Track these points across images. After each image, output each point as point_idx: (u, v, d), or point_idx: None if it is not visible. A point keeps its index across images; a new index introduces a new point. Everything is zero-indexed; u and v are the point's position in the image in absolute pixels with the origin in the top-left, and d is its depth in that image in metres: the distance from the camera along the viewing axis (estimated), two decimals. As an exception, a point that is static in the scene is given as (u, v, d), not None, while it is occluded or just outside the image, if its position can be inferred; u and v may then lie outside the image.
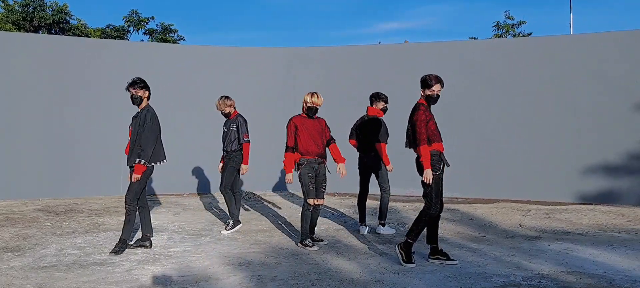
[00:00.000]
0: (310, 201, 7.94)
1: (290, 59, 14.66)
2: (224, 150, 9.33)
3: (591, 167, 12.38)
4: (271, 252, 7.60)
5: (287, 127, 8.07)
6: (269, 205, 12.00)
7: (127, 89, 8.02)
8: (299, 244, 7.96)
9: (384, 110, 9.07)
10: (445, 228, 9.33)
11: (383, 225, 8.98)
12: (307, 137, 7.96)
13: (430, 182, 6.69)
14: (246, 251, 7.68)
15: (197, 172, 13.80)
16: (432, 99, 7.03)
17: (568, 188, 12.52)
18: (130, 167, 7.73)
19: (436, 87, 6.97)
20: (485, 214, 10.75)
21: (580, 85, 12.53)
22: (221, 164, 9.42)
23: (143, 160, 7.52)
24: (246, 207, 11.64)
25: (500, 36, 35.88)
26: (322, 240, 8.23)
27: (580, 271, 6.64)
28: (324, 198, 8.17)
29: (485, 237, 8.71)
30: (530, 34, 35.39)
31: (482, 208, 11.40)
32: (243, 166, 9.21)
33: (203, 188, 13.93)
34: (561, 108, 12.64)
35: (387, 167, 8.87)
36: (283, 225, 9.71)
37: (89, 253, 7.48)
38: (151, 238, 7.90)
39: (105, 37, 35.77)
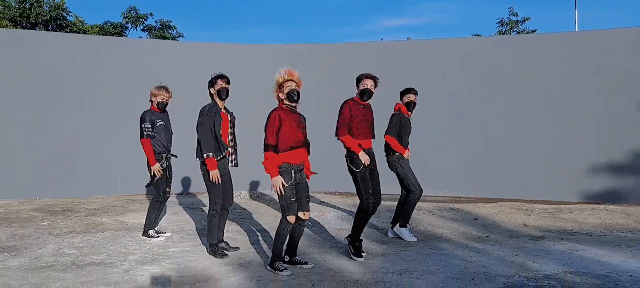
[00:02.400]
0: (291, 218, 6.59)
1: (291, 56, 14.63)
2: (168, 150, 8.52)
3: (596, 165, 12.38)
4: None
5: (268, 120, 6.67)
6: (270, 204, 11.99)
7: (218, 82, 7.58)
8: (268, 267, 6.69)
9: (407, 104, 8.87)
10: (448, 227, 9.33)
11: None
12: (288, 130, 6.57)
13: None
14: (246, 251, 7.68)
15: (196, 171, 13.77)
16: (365, 94, 7.54)
17: (573, 188, 12.51)
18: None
19: (368, 82, 7.54)
20: (489, 214, 10.74)
21: (585, 83, 12.52)
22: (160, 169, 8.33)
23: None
24: (242, 206, 11.65)
25: (504, 33, 35.81)
26: (305, 263, 6.94)
27: (586, 271, 6.64)
28: (309, 210, 6.89)
29: (489, 237, 8.70)
30: (535, 30, 35.31)
31: (485, 208, 11.39)
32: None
33: (202, 187, 13.88)
34: (566, 106, 12.63)
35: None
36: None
37: (87, 254, 7.48)
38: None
39: (103, 34, 35.69)
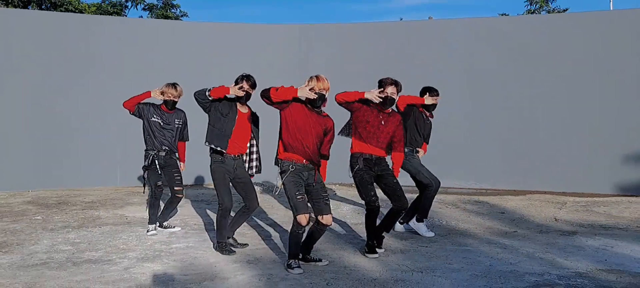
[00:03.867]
0: (302, 218, 6.51)
1: (303, 37, 14.60)
2: (159, 149, 8.50)
3: (632, 155, 12.30)
4: (283, 249, 7.60)
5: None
6: (281, 197, 11.99)
7: (242, 83, 7.46)
8: (287, 268, 6.61)
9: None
10: (474, 222, 9.30)
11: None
12: (295, 131, 6.67)
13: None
14: (255, 247, 7.68)
15: (201, 162, 13.78)
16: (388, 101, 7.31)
17: (607, 179, 12.44)
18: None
19: (389, 89, 7.29)
20: (517, 207, 10.70)
21: (622, 66, 12.43)
22: (151, 168, 8.49)
23: None
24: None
25: (533, 12, 35.69)
26: (319, 260, 6.93)
27: (621, 269, 6.60)
28: (330, 212, 6.82)
29: (517, 232, 8.68)
30: (567, 9, 35.19)
31: (513, 201, 11.35)
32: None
33: (208, 179, 13.91)
34: (600, 91, 12.54)
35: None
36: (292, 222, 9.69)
37: (83, 250, 7.50)
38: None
39: (100, 13, 35.80)
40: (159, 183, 8.48)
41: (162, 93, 8.44)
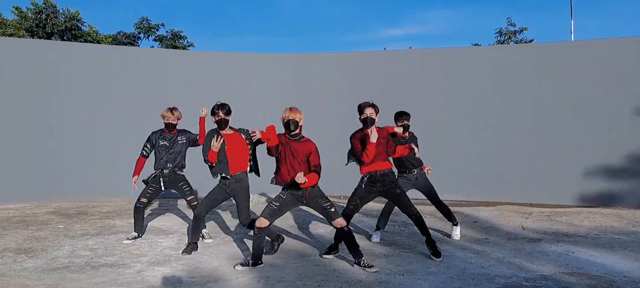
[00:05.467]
0: (262, 221, 6.81)
1: (295, 65, 14.64)
2: (168, 166, 8.54)
3: (592, 169, 12.36)
4: (279, 254, 7.61)
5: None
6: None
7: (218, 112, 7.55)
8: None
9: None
10: (449, 230, 9.32)
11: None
12: (285, 162, 6.85)
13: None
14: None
15: (205, 175, 13.79)
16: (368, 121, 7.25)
17: (569, 191, 12.49)
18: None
19: (368, 110, 7.29)
20: (489, 217, 10.73)
21: (581, 90, 12.50)
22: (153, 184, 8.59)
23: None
24: (251, 209, 11.66)
25: (502, 42, 35.85)
26: (371, 266, 6.81)
27: (581, 272, 6.64)
28: (339, 216, 6.96)
29: (488, 239, 8.70)
30: (532, 40, 35.37)
31: (485, 211, 11.38)
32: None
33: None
34: (563, 112, 12.61)
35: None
36: (290, 227, 9.71)
37: (101, 255, 7.51)
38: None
39: (116, 44, 35.87)
40: (144, 199, 8.55)
41: (163, 117, 8.59)
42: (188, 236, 8.80)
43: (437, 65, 13.69)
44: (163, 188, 8.49)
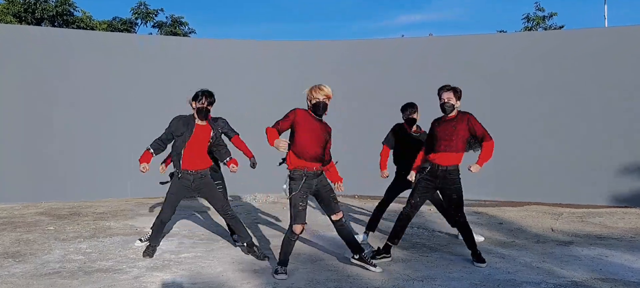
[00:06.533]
0: (296, 227, 6.77)
1: (305, 53, 14.60)
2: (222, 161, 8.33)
3: (626, 167, 12.28)
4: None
5: (288, 113, 6.90)
6: (284, 208, 11.98)
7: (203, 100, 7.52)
8: (273, 274, 6.73)
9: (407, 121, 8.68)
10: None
11: None
12: (307, 137, 6.74)
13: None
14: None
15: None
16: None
17: (602, 191, 12.42)
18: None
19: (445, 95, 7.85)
20: (515, 218, 10.70)
21: (614, 81, 12.41)
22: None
23: None
24: (257, 210, 11.66)
25: (530, 29, 35.72)
26: (374, 266, 6.99)
27: (615, 278, 6.60)
28: (339, 210, 7.05)
29: (514, 242, 8.67)
30: (562, 27, 35.24)
31: (511, 212, 11.34)
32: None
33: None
34: (595, 106, 12.52)
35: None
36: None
37: (94, 260, 7.51)
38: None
39: (111, 30, 35.94)
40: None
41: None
42: (187, 239, 8.82)
43: (460, 54, 13.62)
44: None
